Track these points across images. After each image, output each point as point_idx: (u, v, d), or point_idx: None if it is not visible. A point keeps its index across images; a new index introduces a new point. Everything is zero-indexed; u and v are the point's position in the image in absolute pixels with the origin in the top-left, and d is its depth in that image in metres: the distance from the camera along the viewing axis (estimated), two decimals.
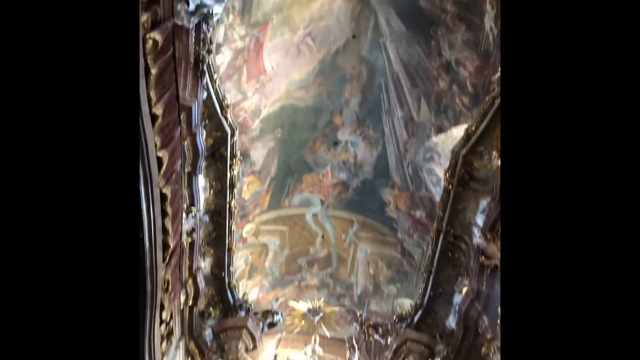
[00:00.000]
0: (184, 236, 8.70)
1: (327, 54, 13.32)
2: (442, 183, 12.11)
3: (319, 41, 12.98)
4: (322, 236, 16.03)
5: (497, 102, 9.87)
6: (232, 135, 10.86)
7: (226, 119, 10.50)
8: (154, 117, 5.58)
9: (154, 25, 5.62)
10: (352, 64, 13.69)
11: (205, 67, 8.13)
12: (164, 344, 8.18)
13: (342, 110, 14.30)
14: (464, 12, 11.70)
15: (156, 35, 5.31)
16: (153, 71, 5.25)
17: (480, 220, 11.25)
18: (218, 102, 10.14)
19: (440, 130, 13.21)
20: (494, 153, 10.19)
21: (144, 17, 5.16)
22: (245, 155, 13.04)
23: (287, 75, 13.11)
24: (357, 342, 14.35)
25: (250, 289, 16.40)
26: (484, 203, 11.10)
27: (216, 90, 9.94)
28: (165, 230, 6.70)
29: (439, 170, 12.92)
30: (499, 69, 9.39)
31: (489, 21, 11.09)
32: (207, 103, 9.76)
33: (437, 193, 13.05)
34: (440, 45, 12.57)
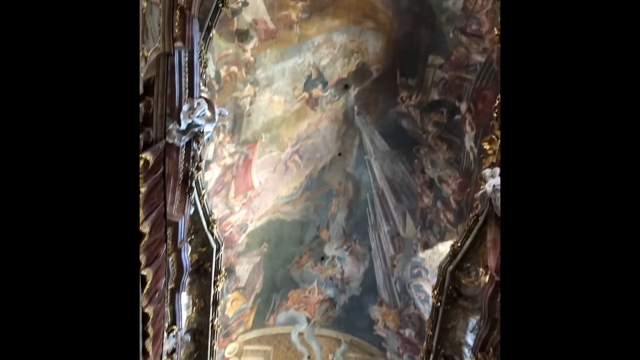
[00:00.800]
0: (164, 357, 8.30)
1: (314, 170, 13.69)
2: (431, 300, 11.91)
3: (306, 158, 13.39)
4: (308, 357, 15.40)
5: (481, 219, 10.00)
6: (218, 250, 10.78)
7: (212, 234, 10.48)
8: (140, 236, 5.56)
9: (147, 145, 5.78)
10: (338, 180, 14.03)
11: (193, 184, 8.25)
12: None
13: (329, 224, 14.40)
14: (445, 132, 12.27)
15: (148, 155, 5.44)
16: (142, 190, 5.31)
17: (470, 339, 10.93)
18: (205, 218, 10.17)
19: (426, 245, 13.25)
20: (481, 269, 10.14)
21: None
22: (230, 270, 12.86)
23: (274, 191, 13.33)
24: None
25: None
26: (473, 321, 10.85)
27: (203, 206, 10.02)
28: (145, 353, 6.41)
29: (427, 286, 12.77)
30: (480, 187, 9.64)
31: (469, 141, 11.59)
32: (194, 218, 9.78)
33: (425, 310, 12.79)
34: (423, 163, 13.02)
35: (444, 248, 11.97)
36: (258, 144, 12.39)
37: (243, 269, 13.61)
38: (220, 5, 8.22)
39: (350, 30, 12.21)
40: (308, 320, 15.12)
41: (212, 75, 10.33)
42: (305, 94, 12.63)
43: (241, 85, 11.35)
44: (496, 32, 8.96)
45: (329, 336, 15.22)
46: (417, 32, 11.77)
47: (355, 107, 13.24)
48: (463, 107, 11.52)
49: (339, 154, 13.72)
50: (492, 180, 9.51)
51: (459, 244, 10.78)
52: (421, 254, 13.23)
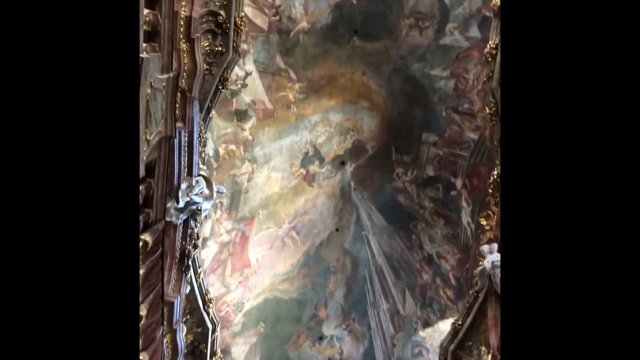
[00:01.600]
0: None
1: (311, 247, 13.62)
2: None
3: (303, 234, 13.37)
4: None
5: (481, 296, 9.86)
6: (214, 330, 10.49)
7: (208, 313, 10.25)
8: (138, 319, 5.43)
9: (146, 226, 5.76)
10: (335, 256, 13.94)
11: (190, 262, 8.16)
12: None
13: (327, 302, 14.15)
14: (441, 208, 12.36)
15: (147, 236, 5.42)
16: (141, 271, 5.25)
17: None
18: (201, 297, 9.99)
19: (427, 324, 12.97)
20: (483, 348, 9.87)
21: None
22: (226, 352, 12.48)
23: (271, 268, 13.20)
24: None
25: None
26: None
27: (200, 284, 9.86)
28: None
29: None
30: (479, 263, 9.58)
31: (466, 217, 11.65)
32: (190, 297, 9.60)
33: None
34: (421, 238, 13.01)
35: (444, 326, 11.72)
36: (255, 221, 12.41)
37: (239, 350, 13.21)
38: (220, 87, 8.49)
39: (345, 110, 12.58)
40: None
41: (211, 153, 10.52)
42: (303, 171, 12.82)
43: (239, 162, 11.54)
44: (487, 111, 9.23)
45: None
46: (410, 111, 12.14)
47: (352, 183, 13.41)
48: (458, 183, 11.67)
49: (336, 230, 13.72)
50: (491, 257, 9.46)
51: (459, 322, 10.55)
52: (422, 333, 12.92)
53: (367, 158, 13.30)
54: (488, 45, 8.53)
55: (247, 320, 13.18)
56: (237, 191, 11.79)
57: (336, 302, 14.10)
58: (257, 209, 12.38)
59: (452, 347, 10.52)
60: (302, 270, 13.82)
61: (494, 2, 8.09)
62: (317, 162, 13.00)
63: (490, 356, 9.41)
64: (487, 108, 9.13)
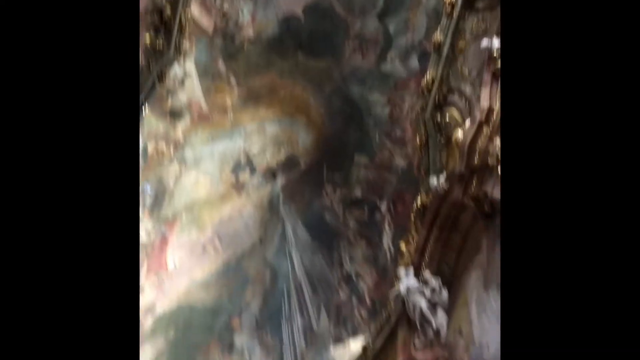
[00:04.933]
0: None
1: (233, 256, 13.44)
2: None
3: (225, 243, 13.18)
4: None
5: (393, 318, 10.10)
6: None
7: None
8: None
9: None
10: (256, 268, 13.82)
11: None
12: None
13: (242, 313, 13.96)
14: (365, 229, 12.59)
15: None
16: None
17: None
18: None
19: (338, 340, 13.08)
20: None
21: None
22: None
23: (189, 274, 12.89)
24: None
25: None
26: None
27: None
28: None
29: None
30: (395, 287, 9.83)
31: (387, 240, 11.93)
32: None
33: None
34: (342, 257, 13.16)
35: (355, 345, 11.87)
36: (177, 224, 12.13)
37: (145, 357, 12.75)
38: (157, 83, 8.33)
39: (282, 122, 12.62)
40: None
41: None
42: (233, 178, 12.69)
43: (167, 162, 11.27)
44: (418, 141, 9.55)
45: None
46: (346, 131, 12.35)
47: (281, 196, 13.40)
48: (383, 206, 11.95)
49: (260, 241, 13.63)
50: (406, 281, 9.74)
51: (370, 343, 10.75)
52: (332, 351, 13.00)
53: (299, 173, 13.35)
54: (424, 79, 8.87)
55: (157, 326, 12.75)
56: (162, 191, 11.50)
57: (251, 314, 13.93)
58: (180, 211, 12.12)
59: None
60: (220, 279, 13.59)
61: (434, 38, 8.43)
62: (248, 171, 12.92)
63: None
64: (417, 138, 9.45)
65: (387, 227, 11.96)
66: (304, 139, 12.98)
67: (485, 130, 7.55)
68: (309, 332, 13.65)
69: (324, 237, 13.40)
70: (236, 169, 12.68)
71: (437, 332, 9.12)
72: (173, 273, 12.49)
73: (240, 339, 14.20)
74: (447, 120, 8.54)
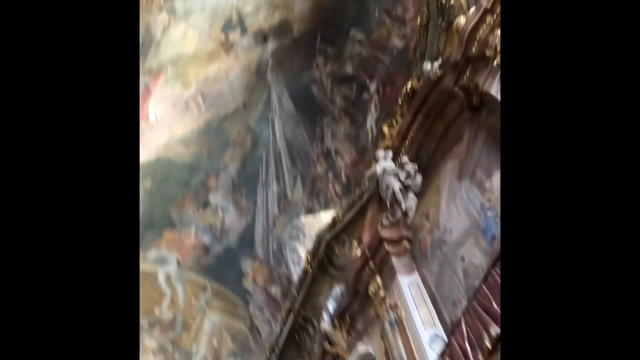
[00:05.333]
0: None
1: (215, 116, 13.37)
2: (303, 264, 12.28)
3: (209, 102, 13.03)
4: (171, 299, 15.28)
5: (365, 196, 10.42)
6: None
7: None
8: None
9: None
10: (237, 131, 13.83)
11: None
12: None
13: (219, 173, 14.22)
14: (350, 107, 12.52)
15: None
16: None
17: (331, 306, 11.46)
18: None
19: (310, 211, 13.57)
20: (355, 243, 10.60)
21: None
22: None
23: (169, 128, 12.87)
24: None
25: None
26: (337, 290, 11.37)
27: None
28: None
29: (302, 250, 13.12)
30: (371, 167, 10.02)
31: (371, 121, 11.94)
32: None
33: (295, 272, 13.16)
34: (324, 132, 13.22)
35: (325, 217, 12.34)
36: (162, 76, 11.86)
37: None
38: None
39: None
40: (178, 262, 14.95)
41: None
42: (222, 36, 12.22)
43: (157, 10, 10.74)
44: (418, 21, 9.20)
45: (196, 281, 15.18)
46: (345, 2, 11.78)
47: (270, 62, 13.06)
48: (372, 87, 11.80)
49: (244, 106, 13.50)
50: (383, 163, 9.92)
51: (340, 216, 11.18)
52: (303, 219, 13.53)
53: (291, 40, 12.90)
54: None
55: None
56: (148, 41, 11.08)
57: (228, 175, 14.20)
58: (166, 64, 11.79)
59: (328, 236, 11.19)
60: (200, 138, 13.62)
61: None
62: (239, 31, 12.42)
63: (359, 251, 10.16)
64: (419, 18, 9.09)
65: (373, 108, 11.90)
66: (300, 5, 12.37)
67: (489, 19, 7.28)
68: (283, 200, 14.08)
69: (309, 109, 13.32)
70: (227, 27, 12.15)
71: (405, 214, 9.48)
72: (154, 125, 12.45)
73: (215, 198, 14.61)
74: (452, 3, 8.17)
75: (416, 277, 8.88)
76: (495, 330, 4.62)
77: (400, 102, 9.74)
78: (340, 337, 10.23)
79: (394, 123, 9.98)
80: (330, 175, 13.14)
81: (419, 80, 9.22)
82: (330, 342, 10.39)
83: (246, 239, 14.66)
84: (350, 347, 9.99)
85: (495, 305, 4.75)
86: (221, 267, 14.95)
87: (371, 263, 9.60)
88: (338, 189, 12.82)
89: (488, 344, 4.66)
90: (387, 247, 9.35)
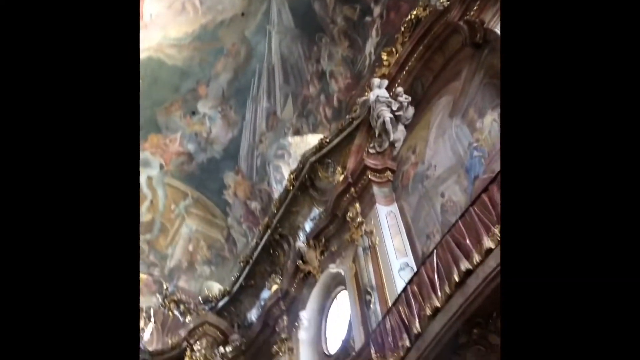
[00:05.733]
0: None
1: (211, 22, 12.94)
2: (285, 182, 12.37)
3: (206, 6, 12.56)
4: (151, 201, 15.43)
5: (355, 123, 10.35)
6: None
7: None
8: None
9: None
10: (232, 40, 13.45)
11: None
12: None
13: (210, 81, 13.96)
14: (351, 29, 12.16)
15: None
16: None
17: (308, 226, 11.67)
18: None
19: (297, 132, 13.50)
20: (339, 168, 10.64)
21: None
22: None
23: (163, 28, 12.46)
24: (155, 314, 13.99)
25: None
26: (316, 211, 11.54)
27: None
28: None
29: (285, 169, 13.18)
30: (365, 93, 9.88)
31: (370, 46, 11.65)
32: None
33: (276, 190, 13.30)
34: (321, 52, 12.91)
35: (312, 139, 12.29)
36: None
37: None
38: None
39: None
40: (161, 166, 14.98)
41: None
42: None
43: None
44: None
45: (177, 187, 15.29)
46: None
47: None
48: (376, 10, 11.42)
49: (242, 14, 13.04)
50: (378, 91, 9.78)
51: (327, 140, 11.14)
52: (290, 139, 13.48)
53: None
54: None
55: None
56: None
57: (219, 85, 13.96)
58: None
59: (313, 159, 11.20)
60: (194, 42, 13.25)
61: None
62: None
63: (342, 177, 10.23)
64: None
65: (374, 32, 11.57)
66: None
67: None
68: (271, 117, 13.95)
69: (308, 27, 12.92)
70: None
71: (392, 144, 9.48)
72: (148, 24, 12.03)
73: (204, 107, 14.43)
74: None
75: (394, 207, 9.01)
76: (465, 265, 4.74)
77: (402, 30, 9.47)
78: (313, 257, 10.49)
79: (394, 51, 9.75)
80: (322, 97, 12.97)
81: (424, 9, 8.93)
82: (304, 260, 10.66)
83: (231, 152, 14.65)
84: (322, 266, 10.28)
85: (468, 242, 4.86)
86: (203, 177, 15.04)
87: (352, 189, 9.68)
88: (329, 112, 12.70)
89: (456, 277, 4.79)
90: (370, 175, 9.40)
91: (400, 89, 9.51)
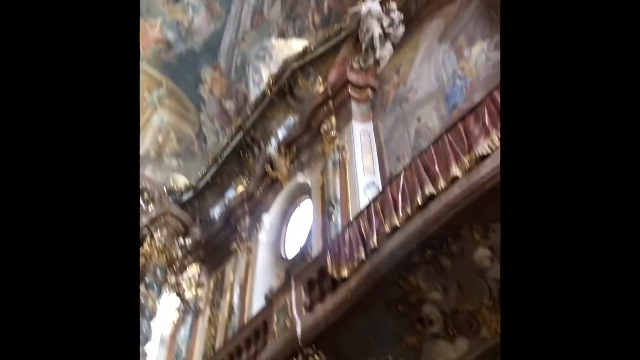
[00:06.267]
0: None
1: None
2: (263, 86, 12.13)
3: None
4: None
5: (343, 34, 10.08)
6: None
7: None
8: None
9: None
10: None
11: None
12: None
13: None
14: None
15: None
16: None
17: (281, 133, 11.63)
18: None
19: (282, 35, 13.09)
20: (320, 79, 10.47)
21: None
22: None
23: None
24: None
25: None
26: (291, 120, 11.46)
27: None
28: None
29: (265, 72, 12.88)
30: (357, 4, 9.55)
31: None
32: None
33: (254, 93, 13.05)
34: None
35: (296, 45, 11.95)
36: None
37: None
38: None
39: None
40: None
41: None
42: None
43: None
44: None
45: (152, 75, 14.85)
46: None
47: None
48: None
49: None
50: (371, 4, 9.47)
51: (312, 47, 10.85)
52: (274, 41, 13.08)
53: None
54: None
55: None
56: None
57: None
58: None
59: (295, 65, 10.95)
60: None
61: None
62: None
63: (322, 88, 10.09)
64: None
65: None
66: None
67: None
68: (257, 15, 13.43)
69: None
70: None
71: (377, 62, 9.33)
72: None
73: None
74: None
75: (370, 126, 9.02)
76: (429, 189, 4.83)
77: None
78: (282, 164, 10.54)
79: None
80: (312, 2, 12.48)
81: None
82: (272, 167, 10.71)
83: (211, 46, 14.18)
84: (290, 175, 10.36)
85: (436, 168, 4.92)
86: (180, 68, 14.61)
87: (331, 102, 9.60)
88: (317, 19, 12.28)
89: (419, 200, 4.90)
90: (350, 91, 9.31)
91: (394, 5, 9.24)
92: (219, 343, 9.51)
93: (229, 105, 14.16)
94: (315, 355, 5.54)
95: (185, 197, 13.08)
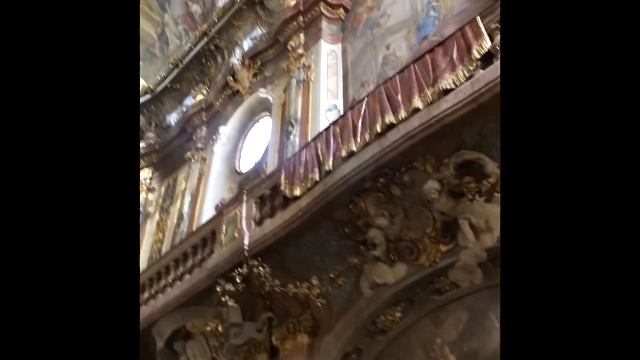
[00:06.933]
0: None
1: None
2: None
3: None
4: None
5: None
6: None
7: None
8: None
9: None
10: None
11: None
12: None
13: None
14: None
15: None
16: None
17: (247, 44, 11.30)
18: None
19: None
20: None
21: None
22: None
23: None
24: None
25: None
26: (258, 31, 11.11)
27: None
28: None
29: None
30: None
31: None
32: None
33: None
34: None
35: None
36: None
37: None
38: None
39: None
40: None
41: None
42: None
43: None
44: None
45: None
46: None
47: None
48: None
49: None
50: None
51: None
52: None
53: None
54: None
55: None
56: None
57: None
58: None
59: None
60: None
61: None
62: None
63: (293, 1, 9.73)
64: None
65: None
66: None
67: None
68: None
69: None
70: None
71: None
72: None
73: None
74: None
75: (338, 47, 8.87)
76: (390, 118, 4.86)
77: None
78: (245, 77, 10.31)
79: None
80: None
81: None
82: (235, 78, 10.47)
83: None
84: (252, 89, 10.18)
85: (399, 97, 4.94)
86: None
87: (301, 18, 9.33)
88: None
89: (378, 128, 4.94)
90: (322, 8, 9.06)
91: None
92: (165, 247, 9.64)
93: (195, 8, 13.48)
94: (260, 267, 5.70)
95: (142, 99, 12.73)
